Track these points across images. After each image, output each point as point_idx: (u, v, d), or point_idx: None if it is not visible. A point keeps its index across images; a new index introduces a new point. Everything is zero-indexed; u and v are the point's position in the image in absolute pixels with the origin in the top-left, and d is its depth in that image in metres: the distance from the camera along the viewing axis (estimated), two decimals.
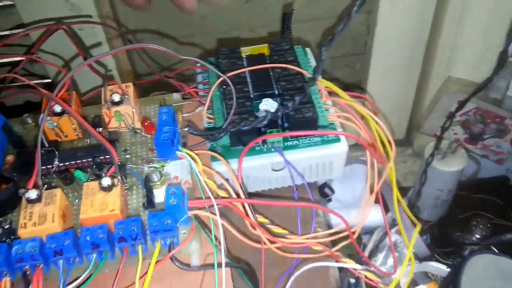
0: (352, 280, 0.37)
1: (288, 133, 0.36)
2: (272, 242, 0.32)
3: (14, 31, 0.52)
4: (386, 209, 0.44)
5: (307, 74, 0.41)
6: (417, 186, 0.74)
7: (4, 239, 0.28)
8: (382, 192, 0.42)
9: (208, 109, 0.40)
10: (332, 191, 0.51)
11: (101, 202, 0.28)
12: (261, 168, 0.38)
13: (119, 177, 0.29)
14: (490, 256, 0.39)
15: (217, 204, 0.30)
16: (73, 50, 0.47)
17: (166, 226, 0.27)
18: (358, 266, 0.36)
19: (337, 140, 0.38)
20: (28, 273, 0.27)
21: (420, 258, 0.48)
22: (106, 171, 0.31)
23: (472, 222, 0.71)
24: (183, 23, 0.56)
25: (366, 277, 0.36)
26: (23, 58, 0.40)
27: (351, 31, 0.66)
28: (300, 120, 0.38)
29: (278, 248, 0.33)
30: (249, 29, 0.58)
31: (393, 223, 0.49)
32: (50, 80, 0.55)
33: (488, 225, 0.67)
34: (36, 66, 0.57)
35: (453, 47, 0.62)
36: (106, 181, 0.28)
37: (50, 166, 0.30)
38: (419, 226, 0.39)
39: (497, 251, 0.51)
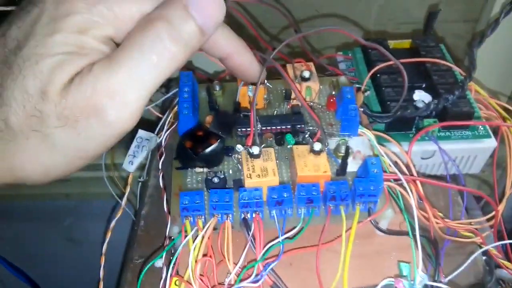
0: (498, 272, 0.40)
1: (455, 122, 0.39)
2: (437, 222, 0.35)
3: None
4: None
5: (458, 69, 0.43)
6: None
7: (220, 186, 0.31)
8: None
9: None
10: None
11: (313, 164, 0.31)
12: (412, 154, 0.41)
13: (326, 143, 0.32)
14: None
15: (399, 179, 0.33)
16: None
17: (371, 191, 0.30)
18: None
19: (487, 136, 0.41)
20: (246, 218, 0.30)
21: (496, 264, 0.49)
22: (302, 138, 0.34)
23: None
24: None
25: (507, 267, 0.38)
26: None
27: (456, 38, 0.68)
28: (457, 113, 0.40)
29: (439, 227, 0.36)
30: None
31: None
32: None
33: None
34: None
35: None
36: (317, 146, 0.31)
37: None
38: None
39: None
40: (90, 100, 0.20)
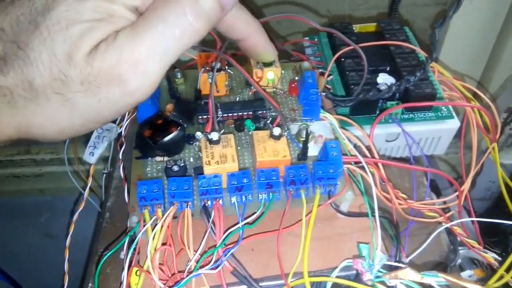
0: (462, 251, 0.40)
1: (417, 104, 0.39)
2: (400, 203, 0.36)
3: None
4: None
5: (422, 52, 0.44)
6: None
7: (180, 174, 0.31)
8: None
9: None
10: None
11: (273, 149, 0.31)
12: (376, 137, 0.41)
13: (285, 128, 0.32)
14: None
15: (360, 162, 0.33)
16: None
17: (330, 174, 0.30)
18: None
19: (450, 116, 0.41)
20: (206, 205, 0.30)
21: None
22: (263, 124, 0.34)
23: None
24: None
25: (472, 246, 0.39)
26: None
27: (428, 21, 0.68)
28: (420, 95, 0.40)
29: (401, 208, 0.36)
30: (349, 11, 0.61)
31: None
32: None
33: None
34: None
35: None
36: (277, 131, 0.31)
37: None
38: None
39: None
40: (114, 68, 0.20)
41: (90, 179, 0.36)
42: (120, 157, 0.34)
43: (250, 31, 0.27)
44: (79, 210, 0.36)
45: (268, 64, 0.36)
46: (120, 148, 0.35)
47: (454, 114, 0.42)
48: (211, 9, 0.21)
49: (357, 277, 0.28)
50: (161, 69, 0.21)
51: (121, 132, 0.36)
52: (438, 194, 0.47)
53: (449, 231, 0.41)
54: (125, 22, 0.21)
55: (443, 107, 0.42)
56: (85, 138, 0.39)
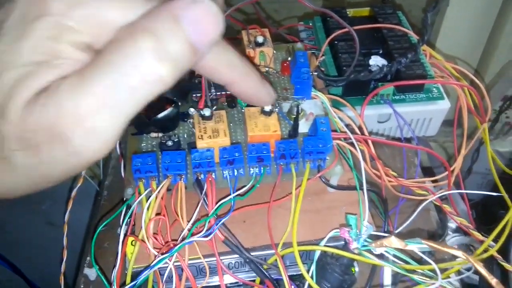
0: (451, 225, 0.41)
1: (407, 82, 0.40)
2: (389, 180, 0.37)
3: None
4: None
5: (414, 35, 0.44)
6: (468, 164, 0.77)
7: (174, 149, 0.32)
8: None
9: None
10: None
11: (264, 124, 0.32)
12: (368, 118, 0.42)
13: (276, 104, 0.33)
14: None
15: (349, 138, 0.34)
16: None
17: (319, 148, 0.31)
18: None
19: (441, 98, 0.42)
20: (199, 178, 0.31)
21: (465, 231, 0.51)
22: None
23: None
24: None
25: (461, 223, 0.40)
26: None
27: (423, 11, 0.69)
28: (411, 76, 0.41)
29: (391, 185, 0.37)
30: None
31: None
32: None
33: None
34: None
35: None
36: (267, 107, 0.32)
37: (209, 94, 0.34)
38: None
39: None
40: (54, 124, 0.17)
41: None
42: None
43: (235, 76, 0.23)
44: (78, 186, 0.37)
45: (260, 44, 0.37)
46: None
47: (444, 95, 0.43)
48: (179, 52, 0.17)
49: (345, 247, 0.29)
50: (115, 125, 0.17)
51: None
52: (432, 176, 0.47)
53: (439, 210, 0.42)
54: (74, 65, 0.17)
55: (434, 89, 0.43)
56: None
